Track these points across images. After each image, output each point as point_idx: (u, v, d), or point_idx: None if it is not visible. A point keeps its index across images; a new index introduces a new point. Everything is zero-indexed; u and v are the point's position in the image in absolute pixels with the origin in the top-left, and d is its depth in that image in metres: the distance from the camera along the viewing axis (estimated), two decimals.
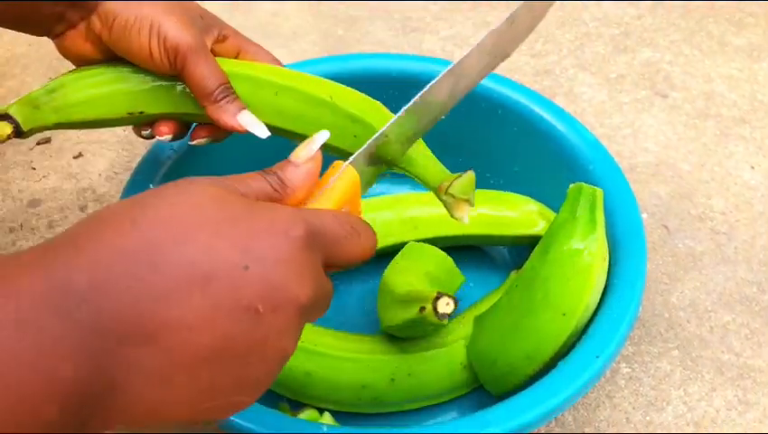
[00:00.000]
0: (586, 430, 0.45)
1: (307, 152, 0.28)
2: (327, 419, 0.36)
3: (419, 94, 0.32)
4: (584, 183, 0.40)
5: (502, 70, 0.67)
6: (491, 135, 0.51)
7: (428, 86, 0.32)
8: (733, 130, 0.63)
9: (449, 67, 0.32)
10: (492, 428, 0.32)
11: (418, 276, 0.42)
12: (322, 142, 0.29)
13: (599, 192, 0.39)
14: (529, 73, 0.67)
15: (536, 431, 0.44)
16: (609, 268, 0.40)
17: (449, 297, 0.37)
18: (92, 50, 0.39)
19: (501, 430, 0.32)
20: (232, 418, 0.33)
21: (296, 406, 0.40)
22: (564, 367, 0.35)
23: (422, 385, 0.41)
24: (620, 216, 0.42)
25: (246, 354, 0.22)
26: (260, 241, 0.23)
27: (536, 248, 0.41)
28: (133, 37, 0.36)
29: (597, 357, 0.35)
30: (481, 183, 0.53)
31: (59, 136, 0.61)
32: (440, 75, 0.32)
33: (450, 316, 0.37)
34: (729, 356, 0.49)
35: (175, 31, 0.36)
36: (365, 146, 0.31)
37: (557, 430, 0.45)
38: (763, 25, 0.72)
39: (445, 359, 0.41)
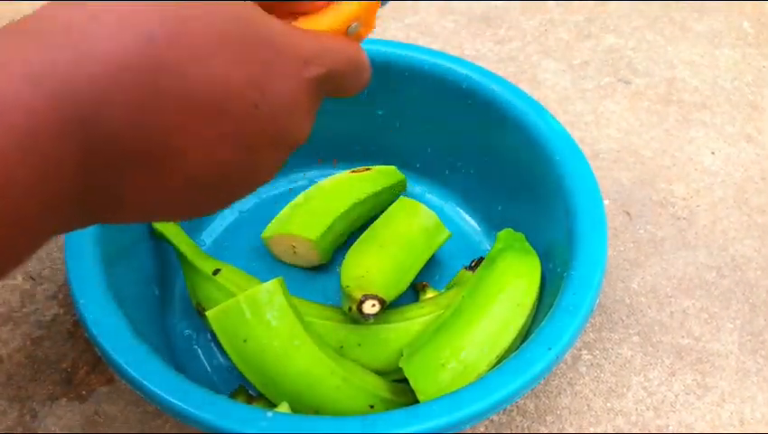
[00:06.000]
0: (548, 418, 0.45)
1: None
2: (284, 407, 0.35)
3: None
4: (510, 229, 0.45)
5: (467, 57, 0.67)
6: (462, 124, 0.51)
7: None
8: (694, 116, 0.63)
9: None
10: (436, 419, 0.32)
11: (378, 257, 0.44)
12: None
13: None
14: (493, 60, 0.67)
15: (495, 417, 0.45)
16: (569, 260, 0.40)
17: (375, 298, 0.39)
18: None
19: (447, 422, 0.31)
20: (182, 403, 0.31)
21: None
22: (515, 358, 0.35)
23: (370, 358, 0.40)
24: (583, 207, 0.42)
25: (237, 183, 0.24)
26: (275, 82, 0.22)
27: (479, 268, 0.44)
28: None
29: (549, 349, 0.35)
30: (451, 172, 0.53)
31: None
32: None
33: (376, 315, 0.39)
34: (688, 341, 0.49)
35: None
36: None
37: (518, 418, 0.45)
38: (725, 11, 0.72)
39: (399, 335, 0.41)
